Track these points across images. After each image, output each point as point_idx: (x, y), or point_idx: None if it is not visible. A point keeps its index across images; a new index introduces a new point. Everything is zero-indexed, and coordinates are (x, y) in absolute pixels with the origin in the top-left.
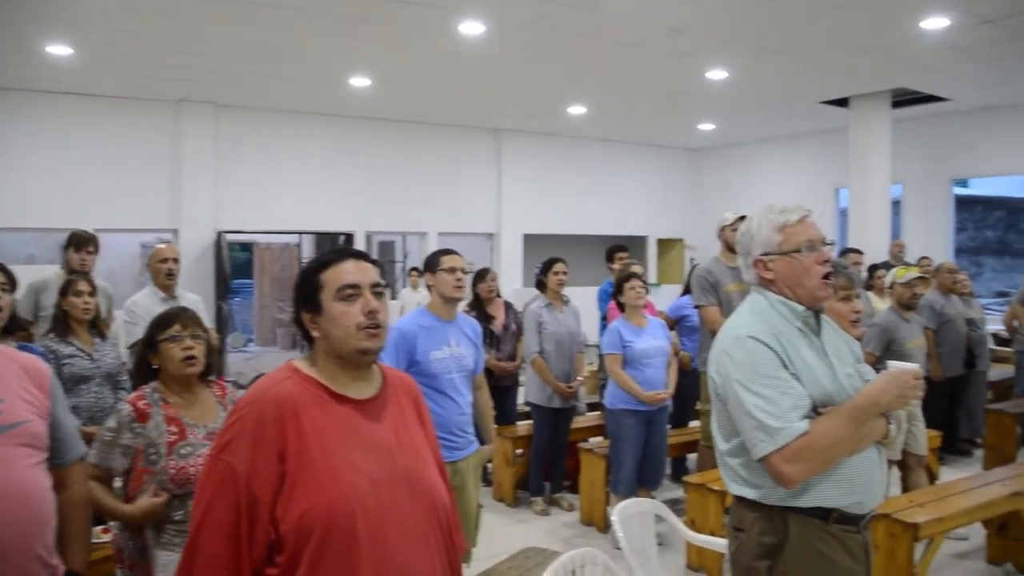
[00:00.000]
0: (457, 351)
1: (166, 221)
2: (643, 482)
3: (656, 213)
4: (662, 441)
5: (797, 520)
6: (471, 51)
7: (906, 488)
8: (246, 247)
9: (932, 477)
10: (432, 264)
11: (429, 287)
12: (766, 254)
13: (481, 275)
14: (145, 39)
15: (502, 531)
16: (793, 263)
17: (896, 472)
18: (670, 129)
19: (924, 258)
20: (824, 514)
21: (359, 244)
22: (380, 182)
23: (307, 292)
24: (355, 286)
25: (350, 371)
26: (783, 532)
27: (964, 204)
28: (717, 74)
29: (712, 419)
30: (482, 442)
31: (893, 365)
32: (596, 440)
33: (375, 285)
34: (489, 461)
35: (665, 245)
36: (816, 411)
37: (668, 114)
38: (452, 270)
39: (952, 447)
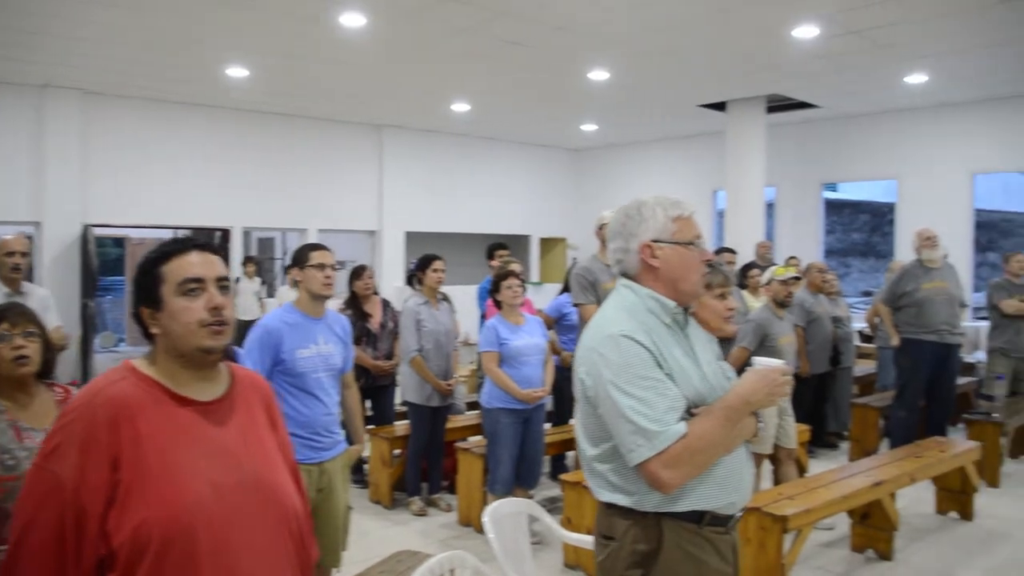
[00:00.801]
0: (325, 349)
1: (27, 213)
2: (521, 481)
3: (539, 212)
4: (539, 440)
5: (671, 525)
6: (352, 44)
7: (777, 481)
8: (119, 242)
9: (802, 470)
10: (300, 259)
11: (297, 283)
12: (657, 240)
13: (357, 272)
14: (2, 18)
15: (378, 534)
16: (685, 255)
17: (768, 466)
18: (553, 129)
19: (792, 257)
20: (698, 517)
21: (237, 240)
22: (259, 177)
23: (146, 286)
24: (198, 280)
25: (193, 371)
26: (657, 539)
27: (833, 207)
28: (599, 75)
29: (577, 423)
30: (351, 442)
31: (759, 362)
32: (475, 439)
33: (220, 279)
34: (365, 463)
35: (547, 244)
36: (689, 412)
37: (551, 114)
38: (321, 266)
39: (820, 440)
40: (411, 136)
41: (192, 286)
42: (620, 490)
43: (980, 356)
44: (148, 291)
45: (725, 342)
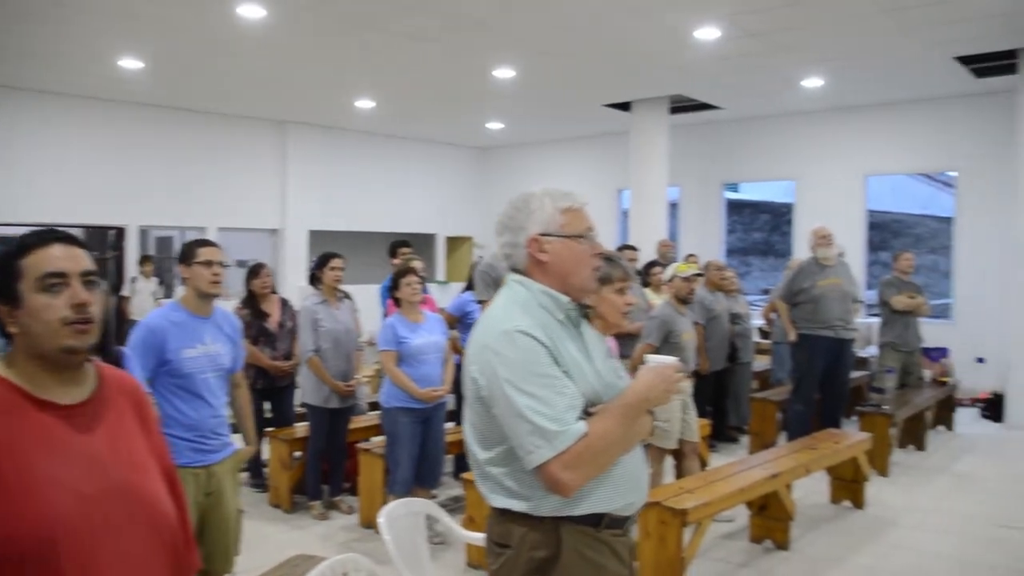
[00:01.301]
0: (212, 349)
1: None
2: (421, 481)
3: (445, 211)
4: (440, 439)
5: (570, 530)
6: (251, 36)
7: (680, 475)
8: (4, 241)
9: (703, 463)
10: (187, 255)
11: (184, 280)
12: (545, 234)
13: (255, 271)
14: None
15: (277, 538)
16: (574, 248)
17: (671, 460)
18: (459, 127)
19: (691, 255)
20: (596, 520)
21: (132, 238)
22: (156, 173)
23: (2, 282)
24: (61, 275)
25: (55, 373)
26: (556, 544)
27: (735, 207)
28: (504, 72)
29: (467, 425)
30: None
31: (652, 360)
32: (377, 440)
33: (86, 274)
34: (264, 466)
35: (454, 243)
36: (586, 411)
37: (457, 112)
38: (208, 263)
39: (721, 435)
40: (315, 133)
41: (54, 281)
42: (515, 495)
43: (872, 351)
44: (5, 287)
45: (628, 339)
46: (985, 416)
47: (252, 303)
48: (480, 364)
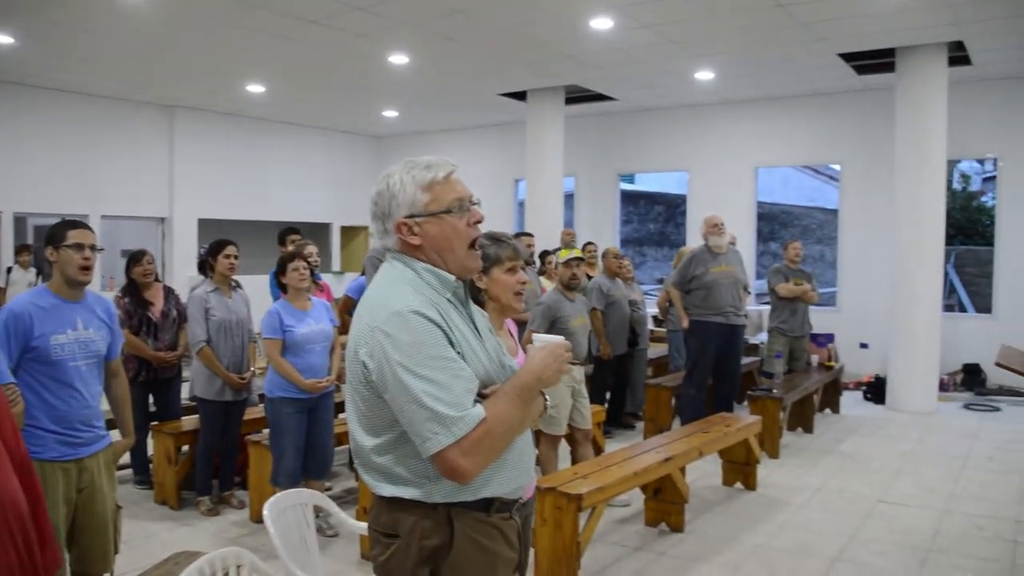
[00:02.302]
0: (85, 335)
1: None
2: (311, 473)
3: (340, 200)
4: (328, 429)
5: (462, 516)
6: (134, 14)
7: (575, 461)
8: None
9: (598, 450)
10: (55, 237)
11: (51, 263)
12: (412, 216)
13: (136, 257)
14: None
15: (163, 536)
16: (444, 225)
17: (566, 447)
18: (354, 114)
19: (590, 243)
20: (486, 504)
21: (6, 226)
22: (33, 157)
23: None
24: None
25: None
26: (448, 532)
27: (630, 198)
28: (399, 59)
29: (351, 411)
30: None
31: (540, 339)
32: (267, 432)
33: None
34: (150, 463)
35: (349, 233)
36: (480, 393)
37: (351, 98)
38: (79, 246)
39: (618, 421)
40: (205, 118)
41: None
42: (406, 482)
43: (763, 338)
44: None
45: (522, 328)
46: (868, 399)
47: (134, 291)
48: (369, 347)
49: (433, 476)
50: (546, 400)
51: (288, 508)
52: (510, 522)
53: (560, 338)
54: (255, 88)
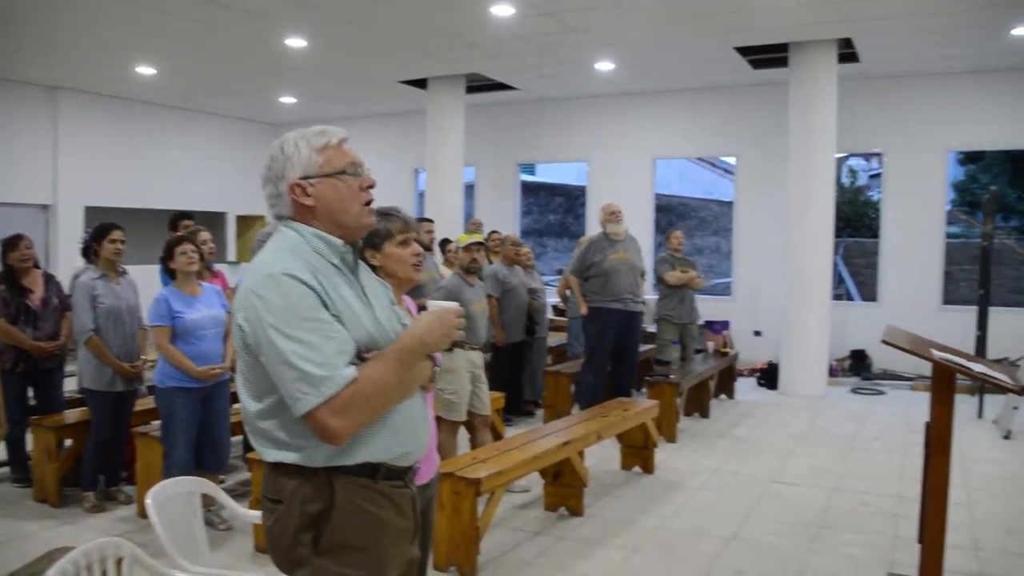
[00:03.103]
0: None
1: None
2: (205, 466)
3: (236, 189)
4: (223, 420)
5: (344, 481)
6: None
7: (474, 447)
8: None
9: (498, 437)
10: None
11: None
12: (306, 177)
13: (12, 242)
14: None
15: (43, 535)
16: (338, 186)
17: (465, 435)
18: (250, 100)
19: (494, 232)
20: (372, 470)
21: None
22: None
23: None
24: None
25: None
26: (328, 497)
27: (531, 189)
28: (296, 42)
29: (239, 376)
30: None
31: (434, 305)
32: (156, 423)
33: None
34: (29, 459)
35: (245, 222)
36: (361, 357)
37: (247, 83)
38: None
39: (518, 409)
40: (91, 101)
41: None
42: (287, 446)
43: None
44: None
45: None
46: (762, 384)
47: (10, 279)
48: (246, 310)
49: (313, 440)
50: (436, 366)
51: (174, 496)
52: (403, 491)
53: (454, 304)
54: (145, 70)
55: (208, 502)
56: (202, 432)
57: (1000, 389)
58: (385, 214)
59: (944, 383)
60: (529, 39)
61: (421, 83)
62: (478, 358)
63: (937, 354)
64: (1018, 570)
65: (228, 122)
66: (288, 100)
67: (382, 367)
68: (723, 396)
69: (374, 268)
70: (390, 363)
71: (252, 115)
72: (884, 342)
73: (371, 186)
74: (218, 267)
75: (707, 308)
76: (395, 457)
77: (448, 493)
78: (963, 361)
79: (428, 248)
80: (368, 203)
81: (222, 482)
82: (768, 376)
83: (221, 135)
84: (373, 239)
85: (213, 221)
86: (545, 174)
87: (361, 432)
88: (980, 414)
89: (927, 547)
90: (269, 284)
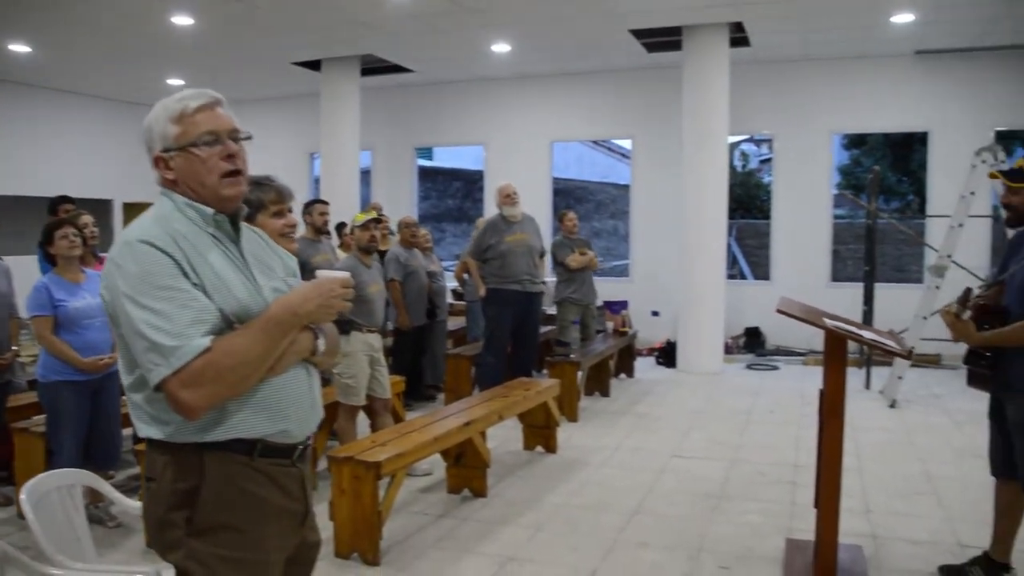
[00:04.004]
0: None
1: None
2: (94, 462)
3: (123, 175)
4: (113, 413)
5: (215, 458)
6: None
7: (375, 432)
8: None
9: (399, 421)
10: None
11: None
12: (166, 150)
13: None
14: None
15: None
16: (192, 159)
17: (366, 420)
18: (136, 82)
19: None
20: (248, 447)
21: None
22: None
23: None
24: None
25: None
26: (199, 474)
27: (429, 174)
28: (183, 20)
29: (119, 349)
30: None
31: (321, 275)
32: (38, 418)
33: None
34: None
35: (133, 210)
36: (232, 327)
37: (132, 64)
38: None
39: (419, 393)
40: None
41: None
42: (156, 421)
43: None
44: None
45: None
46: (660, 363)
47: None
48: (107, 279)
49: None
50: (317, 338)
51: (52, 491)
52: (288, 470)
53: (343, 273)
54: (19, 48)
55: (97, 498)
56: (92, 427)
57: (886, 357)
58: (259, 184)
59: (836, 350)
60: (424, 19)
61: (315, 65)
62: (376, 341)
63: (829, 322)
64: (905, 529)
65: (112, 105)
66: (176, 82)
67: (243, 338)
68: (623, 375)
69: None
70: (254, 333)
71: (138, 98)
72: (779, 311)
73: (231, 155)
74: (104, 254)
75: (606, 289)
76: (272, 434)
77: (348, 478)
78: (854, 328)
79: (324, 231)
80: (231, 173)
81: (112, 477)
82: (666, 354)
83: (105, 118)
84: (245, 208)
85: (98, 209)
86: (443, 159)
87: (229, 406)
88: (868, 385)
89: (823, 508)
90: (126, 252)
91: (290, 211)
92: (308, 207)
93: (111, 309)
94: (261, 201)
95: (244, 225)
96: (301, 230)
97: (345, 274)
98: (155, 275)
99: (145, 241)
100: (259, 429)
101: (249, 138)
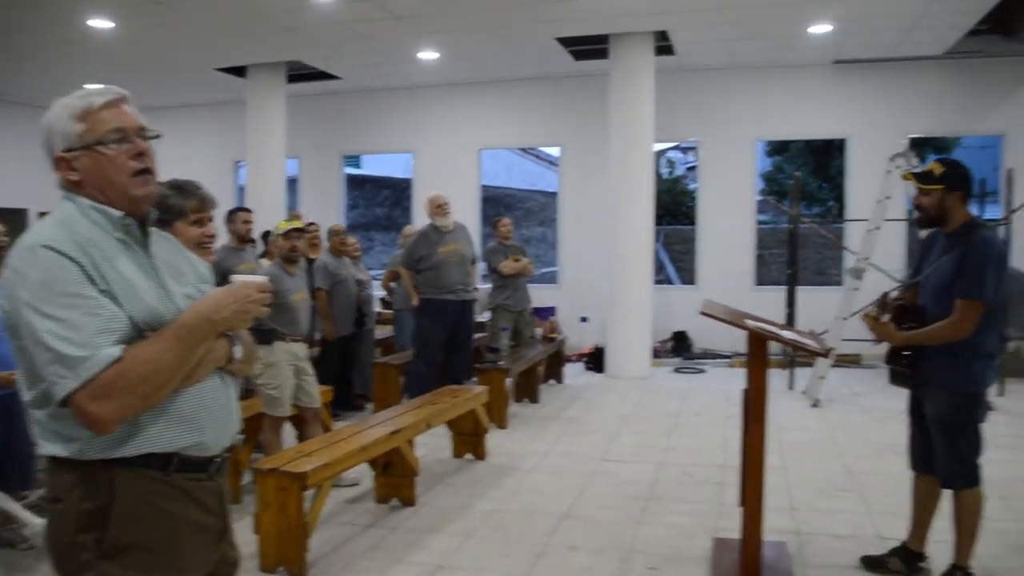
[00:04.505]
0: None
1: None
2: (8, 482)
3: (39, 184)
4: (23, 431)
5: (127, 475)
6: None
7: (303, 442)
8: None
9: (327, 432)
10: None
11: None
12: (69, 149)
13: None
14: None
15: None
16: (99, 158)
17: (292, 431)
18: (52, 87)
19: (312, 224)
20: (162, 462)
21: None
22: None
23: None
24: None
25: None
26: (108, 492)
27: (357, 183)
28: (101, 23)
29: (20, 363)
30: None
31: (237, 279)
32: None
33: None
34: None
35: None
36: (143, 335)
37: (48, 68)
38: None
39: (347, 403)
40: None
41: None
42: (60, 438)
43: (488, 316)
44: None
45: None
46: (589, 368)
47: None
48: (6, 288)
49: (85, 429)
50: (233, 345)
51: None
52: (205, 484)
53: (260, 278)
54: None
55: (8, 520)
56: (5, 445)
57: (809, 358)
58: (180, 189)
59: (758, 350)
60: (351, 25)
61: (240, 71)
62: (301, 350)
63: (751, 323)
64: (828, 524)
65: (27, 111)
66: (95, 87)
67: (155, 346)
68: (552, 381)
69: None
70: (165, 342)
71: (49, 103)
72: (702, 313)
73: (140, 154)
74: None
75: (534, 295)
76: (188, 447)
77: (272, 490)
78: (775, 329)
79: (247, 240)
80: (141, 171)
81: (25, 498)
82: (595, 360)
83: (18, 124)
84: (164, 215)
85: (13, 218)
86: (371, 167)
87: (139, 419)
88: (791, 386)
89: (747, 506)
90: (27, 258)
91: (210, 220)
92: (231, 215)
93: (11, 320)
94: (182, 208)
95: (153, 230)
96: (223, 240)
97: (262, 278)
98: (59, 282)
99: (48, 246)
100: (175, 442)
101: (158, 136)
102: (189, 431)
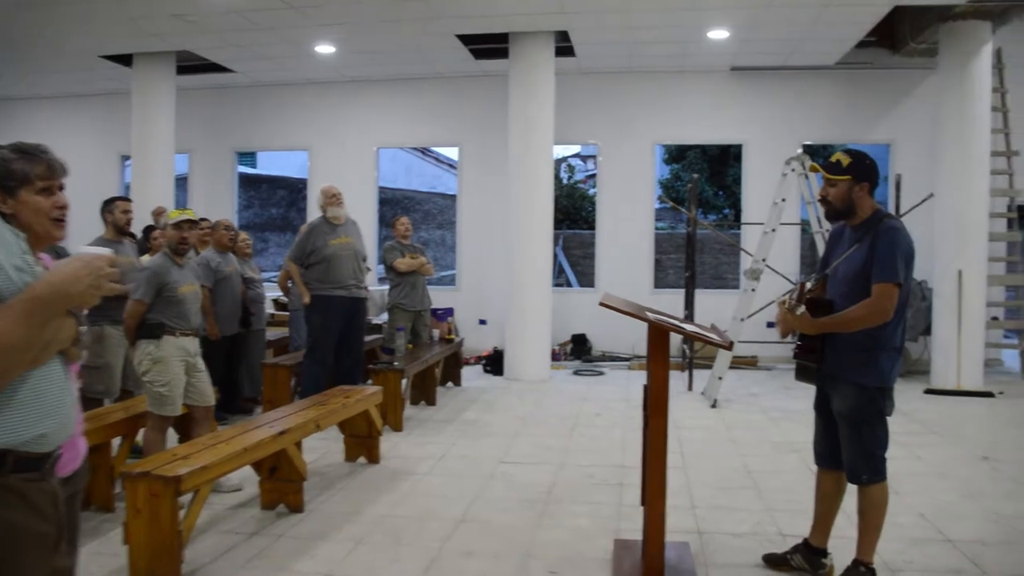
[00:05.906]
0: None
1: None
2: None
3: None
4: None
5: None
6: None
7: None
8: None
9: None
10: None
11: None
12: None
13: None
14: None
15: None
16: None
17: (174, 434)
18: None
19: (204, 219)
20: None
21: None
22: None
23: None
24: None
25: None
26: None
27: (252, 182)
28: None
29: None
30: None
31: (85, 250)
32: None
33: None
34: None
35: None
36: None
37: None
38: None
39: (234, 406)
40: None
41: None
42: None
43: (386, 317)
44: None
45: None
46: (488, 371)
47: None
48: None
49: None
50: (81, 325)
51: None
52: (39, 485)
53: (105, 250)
54: None
55: None
56: None
57: (707, 360)
58: (25, 152)
59: (659, 342)
60: (244, 15)
61: (127, 60)
62: (192, 345)
63: (652, 315)
64: (729, 523)
65: None
66: None
67: (3, 321)
68: (450, 383)
69: (5, 216)
70: (14, 316)
71: None
72: (602, 304)
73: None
74: None
75: (432, 297)
76: (26, 441)
77: (144, 496)
78: (676, 321)
79: (126, 232)
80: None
81: None
82: (494, 362)
83: None
84: (6, 182)
85: None
86: (266, 166)
87: None
88: (690, 387)
89: (650, 502)
90: None
91: (61, 189)
92: (108, 204)
93: None
94: (27, 174)
95: None
96: (99, 231)
97: (106, 250)
98: None
99: None
100: (13, 436)
101: None
102: (29, 423)
